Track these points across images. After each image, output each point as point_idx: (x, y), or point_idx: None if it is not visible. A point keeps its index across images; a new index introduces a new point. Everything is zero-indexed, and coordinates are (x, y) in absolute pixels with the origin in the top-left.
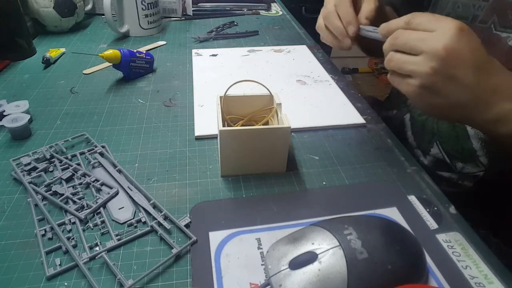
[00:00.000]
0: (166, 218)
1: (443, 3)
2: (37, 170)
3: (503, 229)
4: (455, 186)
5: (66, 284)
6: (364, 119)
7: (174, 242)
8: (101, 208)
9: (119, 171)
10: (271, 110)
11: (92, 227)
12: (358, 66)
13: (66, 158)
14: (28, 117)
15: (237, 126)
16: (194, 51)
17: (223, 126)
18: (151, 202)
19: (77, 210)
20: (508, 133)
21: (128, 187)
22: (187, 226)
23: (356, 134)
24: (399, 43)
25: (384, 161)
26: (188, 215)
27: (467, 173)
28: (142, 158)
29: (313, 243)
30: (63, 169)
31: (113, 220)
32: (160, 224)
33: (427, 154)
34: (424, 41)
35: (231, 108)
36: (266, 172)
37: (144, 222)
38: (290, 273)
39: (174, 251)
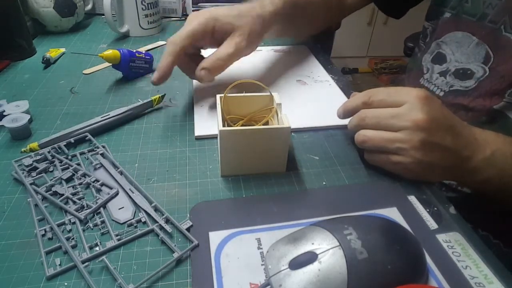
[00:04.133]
0: (167, 221)
1: None
2: (37, 170)
3: (503, 231)
4: (454, 192)
5: (66, 284)
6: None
7: (175, 245)
8: (101, 208)
9: (121, 173)
10: (271, 110)
11: (92, 227)
12: (358, 66)
13: (66, 158)
14: (28, 117)
15: (237, 126)
16: None
17: (223, 126)
18: (152, 204)
19: (77, 210)
20: (483, 180)
21: (129, 189)
22: (188, 229)
23: None
24: (370, 122)
25: None
26: (189, 217)
27: None
28: (142, 158)
29: (313, 243)
30: (63, 169)
31: (113, 220)
32: (161, 227)
33: None
34: (399, 117)
35: (231, 108)
36: (266, 172)
37: (144, 222)
38: (290, 273)
39: (175, 255)
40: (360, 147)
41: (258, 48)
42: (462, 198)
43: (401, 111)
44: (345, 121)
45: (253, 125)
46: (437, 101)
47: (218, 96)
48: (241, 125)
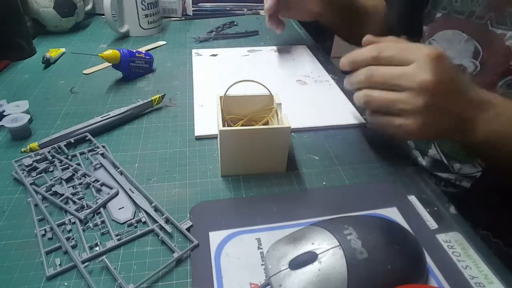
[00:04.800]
0: (167, 221)
1: None
2: (37, 170)
3: (503, 230)
4: (453, 186)
5: (66, 284)
6: (364, 119)
7: (175, 245)
8: (101, 208)
9: (121, 173)
10: (271, 110)
11: (92, 227)
12: None
13: (66, 158)
14: (28, 117)
15: (237, 126)
16: (194, 51)
17: (223, 126)
18: (152, 204)
19: (77, 210)
20: (483, 140)
21: (129, 189)
22: (188, 229)
23: (356, 134)
24: (377, 80)
25: (384, 161)
26: (189, 217)
27: (465, 174)
28: (142, 158)
29: (313, 243)
30: (63, 169)
31: (113, 220)
32: (161, 227)
33: (425, 155)
34: (406, 77)
35: (231, 108)
36: (266, 172)
37: (144, 222)
38: (290, 273)
39: (176, 255)
40: (362, 106)
41: (258, 48)
42: (461, 194)
43: (408, 71)
44: (345, 121)
45: (253, 125)
46: (447, 61)
47: (218, 96)
48: (241, 125)
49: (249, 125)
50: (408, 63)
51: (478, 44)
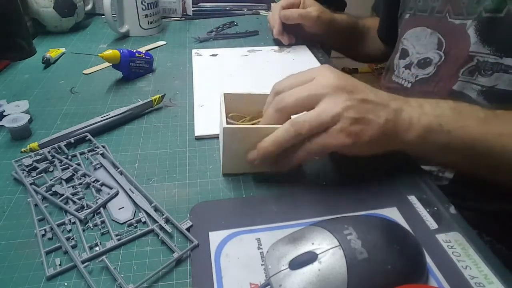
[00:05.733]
0: (167, 221)
1: None
2: (37, 170)
3: (502, 233)
4: (437, 179)
5: (66, 284)
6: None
7: (175, 245)
8: (101, 208)
9: (121, 173)
10: None
11: (92, 227)
12: (358, 66)
13: (66, 158)
14: (28, 117)
15: (240, 124)
16: (194, 51)
17: (227, 123)
18: (152, 204)
19: (77, 210)
20: (425, 131)
21: (129, 189)
22: (188, 229)
23: None
24: (289, 100)
25: (384, 161)
26: (189, 217)
27: None
28: (142, 158)
29: (313, 243)
30: (63, 169)
31: (113, 220)
32: (161, 227)
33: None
34: (316, 89)
35: (233, 106)
36: (267, 171)
37: (144, 222)
38: (290, 273)
39: (175, 255)
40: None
41: (258, 48)
42: (446, 186)
43: (315, 83)
44: None
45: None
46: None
47: (221, 93)
48: (253, 123)
49: (252, 124)
50: (309, 81)
51: (441, 36)
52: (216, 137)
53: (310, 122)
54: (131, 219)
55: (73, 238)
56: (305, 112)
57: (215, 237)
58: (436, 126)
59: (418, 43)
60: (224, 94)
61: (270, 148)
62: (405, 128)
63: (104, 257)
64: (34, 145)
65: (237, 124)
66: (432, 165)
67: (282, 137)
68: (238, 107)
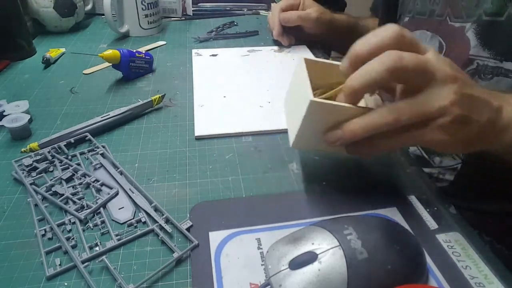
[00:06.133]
0: (167, 221)
1: (406, 1)
2: (37, 170)
3: (503, 233)
4: (438, 181)
5: (66, 284)
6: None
7: (175, 245)
8: (101, 208)
9: (121, 173)
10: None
11: (92, 227)
12: None
13: (66, 158)
14: (28, 117)
15: (322, 97)
16: (194, 51)
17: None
18: (152, 204)
19: (77, 210)
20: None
21: (129, 189)
22: (188, 229)
23: None
24: (409, 63)
25: (384, 161)
26: (189, 217)
27: (446, 167)
28: (142, 158)
29: (313, 243)
30: (63, 169)
31: (113, 220)
32: (161, 227)
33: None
34: (431, 61)
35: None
36: (343, 153)
37: (144, 222)
38: (290, 273)
39: (175, 255)
40: (386, 130)
41: (258, 48)
42: (447, 188)
43: (431, 57)
44: None
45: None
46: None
47: (301, 58)
48: (325, 98)
49: (331, 98)
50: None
51: (441, 39)
52: (216, 137)
53: (412, 111)
54: (131, 219)
55: (73, 238)
56: (400, 99)
57: (215, 237)
58: None
59: None
60: (305, 59)
61: (359, 132)
62: (503, 128)
63: (104, 257)
64: (34, 145)
65: (320, 98)
66: None
67: (376, 123)
68: (314, 77)
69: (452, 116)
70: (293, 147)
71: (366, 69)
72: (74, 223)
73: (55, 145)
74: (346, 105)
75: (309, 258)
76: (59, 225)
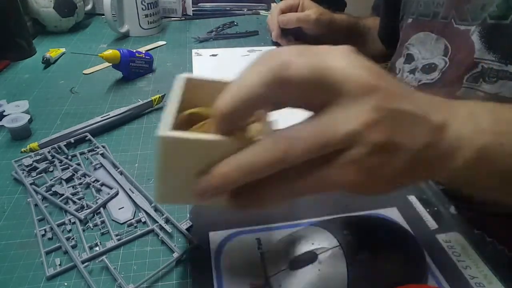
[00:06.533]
0: (167, 221)
1: (409, 2)
2: (37, 170)
3: (507, 236)
4: (438, 182)
5: (66, 284)
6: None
7: (175, 245)
8: (101, 208)
9: (121, 173)
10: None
11: (92, 227)
12: None
13: (66, 158)
14: (28, 117)
15: (195, 130)
16: (194, 51)
17: (172, 128)
18: (152, 204)
19: (77, 210)
20: (476, 155)
21: (129, 189)
22: (188, 229)
23: None
24: (296, 74)
25: None
26: (189, 217)
27: None
28: (142, 158)
29: (313, 243)
30: (63, 169)
31: (113, 220)
32: (161, 227)
33: None
34: (329, 68)
35: (198, 98)
36: (223, 207)
37: (144, 222)
38: (290, 273)
39: (175, 255)
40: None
41: (258, 48)
42: (444, 190)
43: (331, 63)
44: None
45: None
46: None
47: (184, 77)
48: (200, 129)
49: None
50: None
51: (446, 42)
52: None
53: (307, 141)
54: (131, 219)
55: (73, 238)
56: (295, 124)
57: (215, 237)
58: (496, 147)
59: (424, 48)
60: (187, 78)
61: (233, 176)
62: (449, 153)
63: (104, 257)
64: (34, 145)
65: (191, 130)
66: (483, 199)
67: (258, 161)
68: (204, 100)
69: (367, 145)
70: (157, 202)
71: (238, 84)
72: (74, 223)
73: (55, 145)
74: (211, 137)
75: (309, 258)
76: (59, 225)
